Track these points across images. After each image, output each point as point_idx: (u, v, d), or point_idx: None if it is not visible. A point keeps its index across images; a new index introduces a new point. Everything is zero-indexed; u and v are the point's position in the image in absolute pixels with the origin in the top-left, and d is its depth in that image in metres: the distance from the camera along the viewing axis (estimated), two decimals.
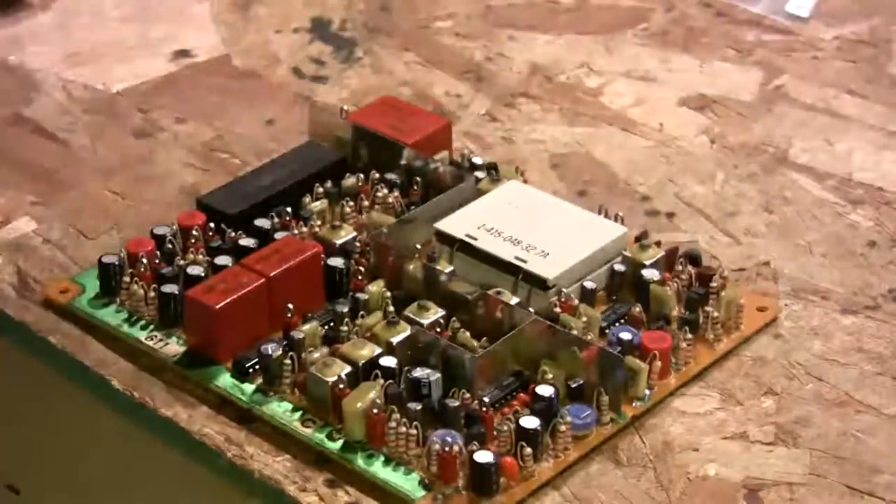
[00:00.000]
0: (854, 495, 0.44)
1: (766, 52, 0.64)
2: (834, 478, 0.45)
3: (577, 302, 0.48)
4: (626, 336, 0.47)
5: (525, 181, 0.54)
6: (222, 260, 0.50)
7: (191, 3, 0.67)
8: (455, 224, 0.51)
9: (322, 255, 0.50)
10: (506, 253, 0.49)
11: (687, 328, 0.48)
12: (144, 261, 0.50)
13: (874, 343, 0.49)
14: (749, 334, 0.49)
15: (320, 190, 0.53)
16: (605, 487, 0.44)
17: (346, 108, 0.57)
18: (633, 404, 0.46)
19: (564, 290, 0.48)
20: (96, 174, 0.57)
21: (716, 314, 0.48)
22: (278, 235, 0.51)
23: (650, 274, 0.49)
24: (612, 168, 0.57)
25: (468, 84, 0.62)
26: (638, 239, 0.51)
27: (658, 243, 0.51)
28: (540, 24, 0.66)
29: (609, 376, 0.46)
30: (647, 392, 0.47)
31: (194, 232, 0.51)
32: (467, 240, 0.50)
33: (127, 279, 0.50)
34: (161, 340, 0.49)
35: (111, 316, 0.50)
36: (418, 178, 0.53)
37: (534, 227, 0.50)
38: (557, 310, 0.48)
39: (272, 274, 0.48)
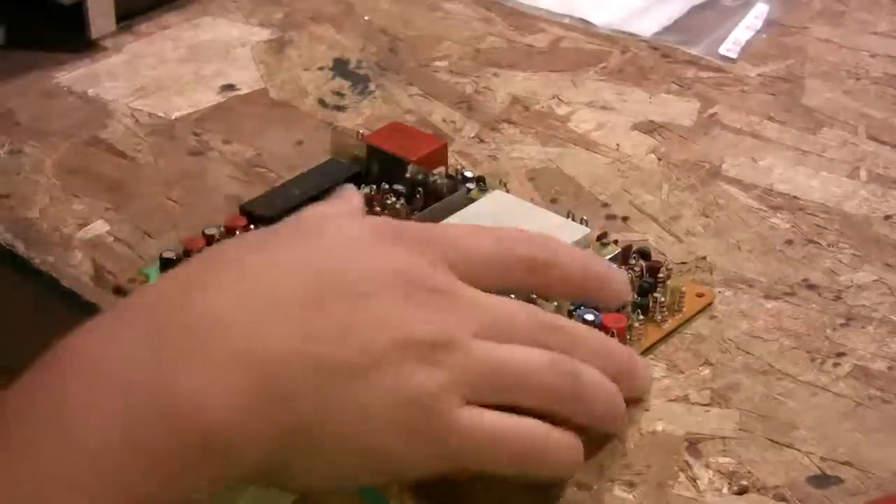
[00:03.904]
0: (775, 447, 0.44)
1: (702, 87, 0.63)
2: (759, 433, 0.44)
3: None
4: (589, 317, 0.46)
5: (507, 191, 0.54)
6: None
7: (235, 46, 0.67)
8: None
9: None
10: None
11: (639, 311, 0.48)
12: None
13: (791, 323, 0.49)
14: (690, 315, 0.49)
15: None
16: None
17: (361, 131, 0.56)
18: None
19: None
20: (158, 185, 0.57)
21: (662, 299, 0.48)
22: None
23: None
24: (578, 180, 0.57)
25: (461, 112, 0.61)
26: (599, 238, 0.50)
27: (615, 242, 0.50)
28: (519, 64, 0.65)
29: None
30: None
31: (237, 232, 0.51)
32: None
33: None
34: None
35: None
36: (420, 189, 0.53)
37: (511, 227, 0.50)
38: (534, 296, 0.47)
39: None
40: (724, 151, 0.59)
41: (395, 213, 0.52)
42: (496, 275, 0.42)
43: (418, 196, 0.53)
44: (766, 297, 0.50)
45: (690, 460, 0.43)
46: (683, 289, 0.49)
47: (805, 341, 0.48)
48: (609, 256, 0.49)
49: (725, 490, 0.42)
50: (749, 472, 0.43)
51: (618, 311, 0.47)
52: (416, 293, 0.40)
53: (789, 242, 0.53)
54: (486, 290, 0.42)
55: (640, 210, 0.55)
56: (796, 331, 0.48)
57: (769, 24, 0.68)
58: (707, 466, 0.43)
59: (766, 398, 0.46)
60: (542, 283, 0.43)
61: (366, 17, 0.69)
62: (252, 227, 0.51)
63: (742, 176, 0.57)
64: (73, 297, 0.51)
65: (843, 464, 0.43)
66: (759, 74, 0.64)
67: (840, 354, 0.47)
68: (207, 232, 0.51)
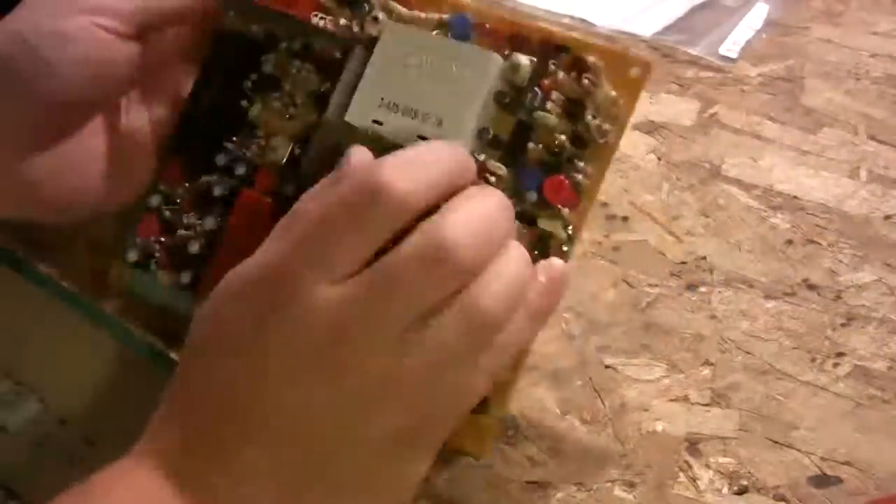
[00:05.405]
0: (775, 447, 0.44)
1: (702, 87, 0.63)
2: (759, 433, 0.44)
3: (482, 157, 0.44)
4: (532, 198, 0.43)
5: (409, 8, 0.47)
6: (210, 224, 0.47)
7: None
8: (358, 112, 0.45)
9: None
10: (408, 133, 0.44)
11: (575, 145, 0.44)
12: (156, 245, 0.48)
13: (791, 323, 0.49)
14: (631, 112, 0.44)
15: (250, 85, 0.48)
16: (574, 442, 0.44)
17: None
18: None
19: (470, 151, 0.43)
20: None
21: (595, 121, 0.44)
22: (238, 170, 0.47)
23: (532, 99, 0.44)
24: None
25: None
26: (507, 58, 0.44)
27: (532, 60, 0.44)
28: None
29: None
30: (567, 248, 0.43)
31: (179, 190, 0.48)
32: (374, 126, 0.44)
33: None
34: None
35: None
36: (308, 47, 0.47)
37: (421, 86, 0.44)
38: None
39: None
40: (724, 151, 0.59)
41: (310, 94, 0.47)
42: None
43: (314, 53, 0.47)
44: (766, 297, 0.50)
45: (690, 460, 0.43)
46: (613, 93, 0.43)
47: (805, 341, 0.48)
48: (523, 82, 0.44)
49: (725, 490, 0.42)
50: (749, 472, 0.43)
51: (555, 166, 0.44)
52: (320, 348, 0.38)
53: (789, 242, 0.53)
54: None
55: (640, 210, 0.55)
56: (796, 331, 0.48)
57: (769, 24, 0.68)
58: (707, 466, 0.43)
59: (766, 398, 0.46)
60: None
61: None
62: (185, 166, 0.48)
63: (742, 176, 0.57)
64: (74, 297, 0.51)
65: (843, 464, 0.43)
66: (759, 74, 0.64)
67: (840, 354, 0.47)
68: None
